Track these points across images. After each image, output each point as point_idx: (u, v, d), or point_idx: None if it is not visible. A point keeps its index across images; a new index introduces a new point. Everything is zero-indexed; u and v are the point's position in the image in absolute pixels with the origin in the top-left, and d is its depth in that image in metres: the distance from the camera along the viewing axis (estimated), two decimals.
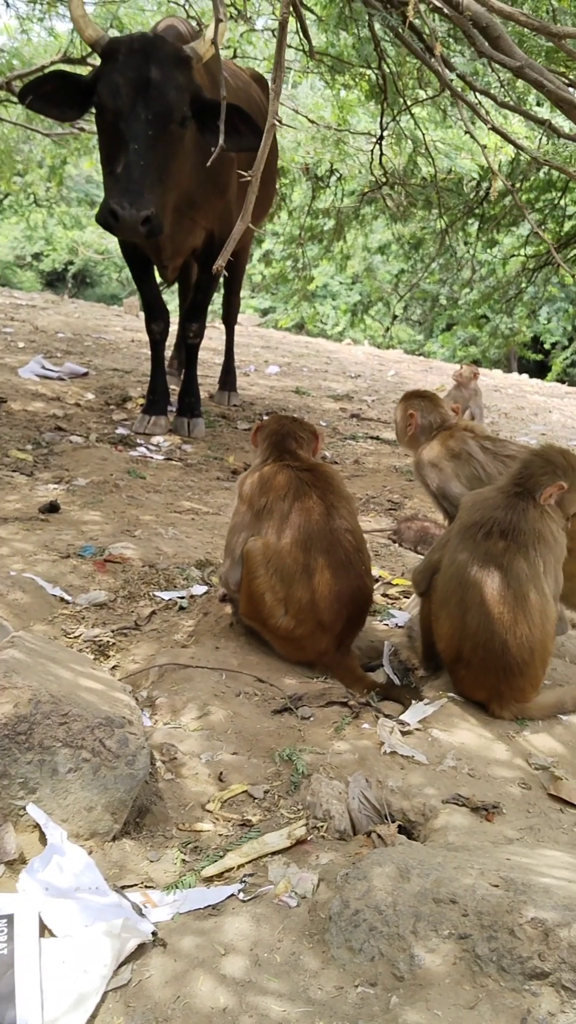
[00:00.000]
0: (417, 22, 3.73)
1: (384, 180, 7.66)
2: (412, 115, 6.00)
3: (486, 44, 2.40)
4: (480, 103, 6.50)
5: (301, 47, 7.27)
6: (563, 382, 17.07)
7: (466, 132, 2.99)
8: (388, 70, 5.83)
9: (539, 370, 21.33)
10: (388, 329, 23.77)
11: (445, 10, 2.31)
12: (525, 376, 14.91)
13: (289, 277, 15.14)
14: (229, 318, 7.46)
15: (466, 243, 12.81)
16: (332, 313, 24.22)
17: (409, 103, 5.87)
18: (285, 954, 1.69)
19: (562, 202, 13.05)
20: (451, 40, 5.05)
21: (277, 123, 1.77)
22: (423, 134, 6.37)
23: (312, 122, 8.85)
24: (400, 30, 3.61)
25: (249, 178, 1.86)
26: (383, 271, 21.06)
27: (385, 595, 3.65)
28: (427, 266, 14.82)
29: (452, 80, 2.76)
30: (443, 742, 2.45)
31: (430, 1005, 1.55)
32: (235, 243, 1.94)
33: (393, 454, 6.29)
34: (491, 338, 19.74)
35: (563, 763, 2.45)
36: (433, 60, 2.89)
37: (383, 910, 1.68)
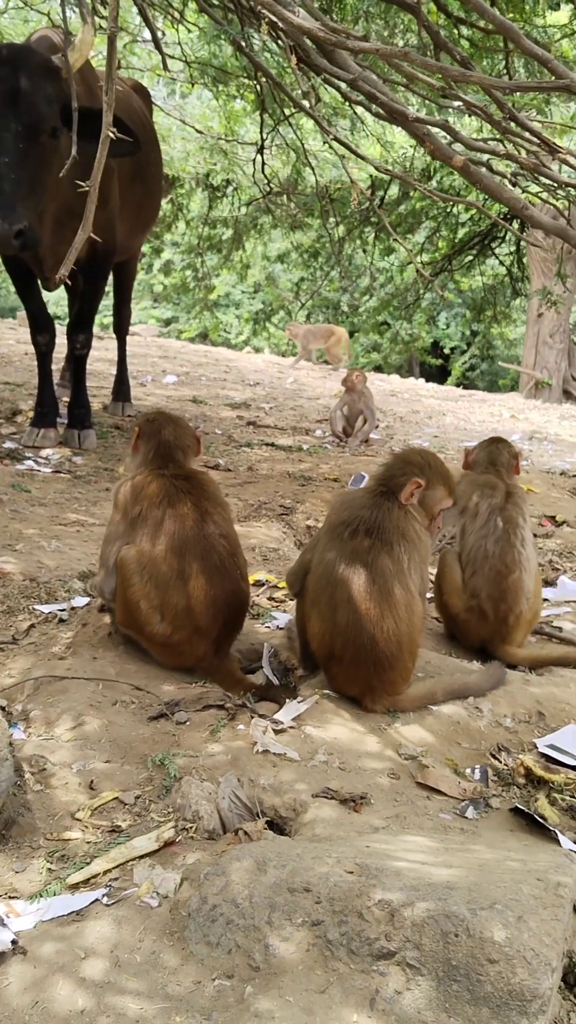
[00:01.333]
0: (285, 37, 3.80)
1: (269, 189, 7.74)
2: (292, 125, 6.10)
3: (323, 59, 2.48)
4: (357, 114, 6.66)
5: (184, 58, 7.32)
6: (461, 385, 17.50)
7: (324, 141, 3.06)
8: (266, 80, 5.90)
9: (440, 374, 21.84)
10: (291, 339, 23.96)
11: (281, 25, 2.37)
12: (421, 380, 15.22)
13: (190, 287, 15.15)
14: (120, 328, 7.44)
15: (364, 251, 13.02)
16: (235, 322, 24.31)
17: (288, 113, 5.96)
18: (145, 953, 1.71)
19: (455, 210, 13.36)
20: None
21: (112, 134, 1.81)
22: (302, 143, 6.47)
23: (199, 132, 8.90)
24: (245, 44, 3.66)
25: (87, 188, 1.89)
26: (284, 279, 21.26)
27: (271, 598, 3.70)
28: (326, 274, 15.03)
29: (309, 91, 2.83)
30: (315, 738, 2.50)
31: (283, 992, 1.59)
32: (76, 253, 1.97)
33: (287, 460, 6.34)
34: (392, 344, 20.10)
35: (432, 752, 2.53)
36: (289, 74, 2.95)
37: (239, 903, 1.71)
